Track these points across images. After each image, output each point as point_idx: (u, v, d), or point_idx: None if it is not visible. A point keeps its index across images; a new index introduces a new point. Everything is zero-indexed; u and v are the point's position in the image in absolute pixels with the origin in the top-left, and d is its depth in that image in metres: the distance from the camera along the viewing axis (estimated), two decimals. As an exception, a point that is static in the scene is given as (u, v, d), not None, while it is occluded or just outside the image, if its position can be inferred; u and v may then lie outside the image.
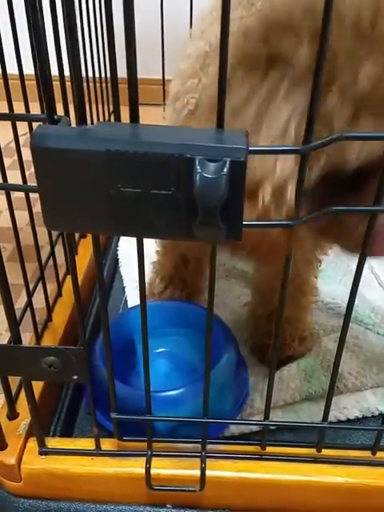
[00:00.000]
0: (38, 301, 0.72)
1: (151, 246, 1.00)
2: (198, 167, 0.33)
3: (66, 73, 0.91)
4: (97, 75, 1.07)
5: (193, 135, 0.34)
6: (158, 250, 0.84)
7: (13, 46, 0.58)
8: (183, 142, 0.33)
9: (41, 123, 0.36)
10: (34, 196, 0.67)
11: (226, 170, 0.33)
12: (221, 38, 0.31)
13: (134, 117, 0.35)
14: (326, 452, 0.58)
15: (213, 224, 0.34)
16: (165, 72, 1.16)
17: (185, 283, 0.83)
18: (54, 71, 0.67)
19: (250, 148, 0.33)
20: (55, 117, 0.36)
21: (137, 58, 0.33)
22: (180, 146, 0.33)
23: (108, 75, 1.09)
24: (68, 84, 0.71)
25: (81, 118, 0.34)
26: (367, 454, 0.58)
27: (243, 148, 0.33)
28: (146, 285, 0.84)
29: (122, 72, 0.36)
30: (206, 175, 0.33)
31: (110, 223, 0.36)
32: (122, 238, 1.03)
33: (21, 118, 0.43)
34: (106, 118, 1.13)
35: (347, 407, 0.71)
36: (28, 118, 0.45)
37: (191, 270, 0.82)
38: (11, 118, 0.50)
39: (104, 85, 1.11)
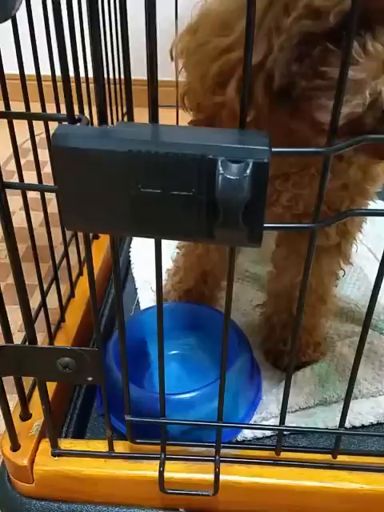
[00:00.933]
0: (51, 302, 0.72)
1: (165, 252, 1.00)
2: (221, 168, 0.32)
3: (81, 74, 0.91)
4: (110, 77, 1.07)
5: (215, 136, 0.34)
6: (178, 266, 0.84)
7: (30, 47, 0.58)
8: (205, 142, 0.33)
9: (59, 123, 0.36)
10: (47, 196, 0.68)
11: (248, 171, 0.32)
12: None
13: (154, 117, 0.35)
14: (341, 458, 0.57)
15: (234, 226, 0.33)
16: (178, 74, 1.16)
17: (202, 296, 0.83)
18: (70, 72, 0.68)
19: (274, 150, 0.33)
20: (75, 116, 0.35)
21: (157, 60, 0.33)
22: (202, 147, 0.33)
23: (122, 76, 1.09)
24: (83, 85, 0.72)
25: (102, 118, 0.34)
26: (383, 460, 0.57)
27: (266, 149, 0.33)
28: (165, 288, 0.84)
29: (134, 73, 0.35)
30: (228, 176, 0.32)
31: (129, 224, 0.36)
32: (134, 240, 1.03)
33: (40, 117, 0.42)
34: (119, 119, 1.13)
35: (362, 413, 0.70)
36: (47, 118, 0.45)
37: (210, 284, 0.82)
38: (30, 117, 0.50)
39: (117, 86, 1.11)
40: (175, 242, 1.00)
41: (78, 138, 0.33)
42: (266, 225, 0.35)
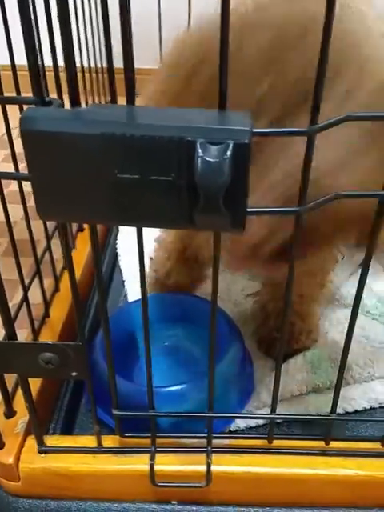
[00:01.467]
0: (36, 296, 0.71)
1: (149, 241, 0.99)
2: (200, 150, 0.31)
3: (61, 63, 0.89)
4: (92, 65, 1.05)
5: (193, 116, 0.32)
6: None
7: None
8: (183, 123, 0.31)
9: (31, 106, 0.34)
10: (27, 189, 0.66)
11: (229, 153, 0.31)
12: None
13: (131, 98, 0.33)
14: (334, 444, 0.57)
15: (216, 211, 0.32)
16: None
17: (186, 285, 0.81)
18: (49, 61, 0.66)
19: (254, 130, 0.31)
20: (46, 99, 0.34)
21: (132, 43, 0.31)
22: (180, 129, 0.31)
23: (104, 65, 1.07)
24: (62, 75, 0.70)
25: (74, 100, 0.32)
26: (377, 445, 0.57)
27: (247, 130, 0.31)
28: (150, 278, 0.82)
29: (117, 62, 0.34)
30: (207, 159, 0.31)
31: (106, 212, 0.34)
32: (121, 231, 1.01)
33: (9, 100, 0.41)
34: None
35: (355, 398, 0.69)
36: (17, 101, 0.43)
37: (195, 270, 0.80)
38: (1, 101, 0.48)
39: (100, 75, 1.09)
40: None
41: (47, 121, 0.31)
42: (249, 209, 0.34)
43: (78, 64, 0.32)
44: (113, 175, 0.32)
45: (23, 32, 0.31)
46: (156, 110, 0.33)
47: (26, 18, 0.30)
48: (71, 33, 0.31)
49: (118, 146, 0.32)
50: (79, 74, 0.98)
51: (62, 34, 0.31)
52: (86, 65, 1.00)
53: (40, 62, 0.63)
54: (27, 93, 0.59)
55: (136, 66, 0.33)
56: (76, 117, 0.32)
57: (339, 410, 0.67)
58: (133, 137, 0.31)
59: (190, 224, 0.33)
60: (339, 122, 0.33)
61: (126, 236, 1.00)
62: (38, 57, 0.33)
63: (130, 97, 0.33)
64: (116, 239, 1.00)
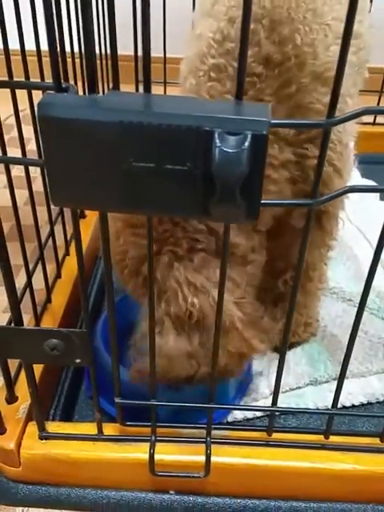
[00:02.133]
0: (37, 282, 0.70)
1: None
2: (217, 141, 0.31)
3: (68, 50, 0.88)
4: (96, 52, 1.04)
5: (212, 106, 0.32)
6: None
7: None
8: (201, 113, 0.31)
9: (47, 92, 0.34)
10: (32, 174, 0.66)
11: (247, 144, 0.31)
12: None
13: (147, 87, 0.33)
14: (333, 439, 0.57)
15: (232, 202, 0.32)
16: (166, 50, 1.14)
17: None
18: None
19: (273, 121, 0.31)
20: (63, 85, 0.33)
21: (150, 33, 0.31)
22: (198, 118, 0.31)
23: (108, 52, 1.06)
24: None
25: (91, 87, 0.32)
26: (375, 440, 0.57)
27: (265, 120, 0.31)
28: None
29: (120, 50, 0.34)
30: (225, 149, 0.31)
31: (120, 200, 0.34)
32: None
33: (24, 85, 0.40)
34: (106, 95, 1.10)
35: (352, 393, 0.70)
36: (32, 86, 0.42)
37: None
38: (12, 85, 0.47)
39: (103, 62, 1.08)
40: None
41: (64, 108, 0.31)
42: (263, 201, 0.33)
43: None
44: (128, 163, 0.32)
45: (45, 18, 0.30)
46: (174, 99, 0.33)
47: (47, 5, 0.29)
48: (92, 19, 0.30)
49: (134, 134, 0.31)
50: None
51: (82, 20, 0.30)
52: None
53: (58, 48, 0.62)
54: (34, 78, 0.59)
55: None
56: (93, 104, 0.31)
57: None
58: (150, 125, 0.31)
59: (204, 214, 0.33)
60: (357, 116, 0.33)
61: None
62: (58, 47, 0.32)
63: (147, 85, 0.32)
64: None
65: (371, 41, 0.68)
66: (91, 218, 0.90)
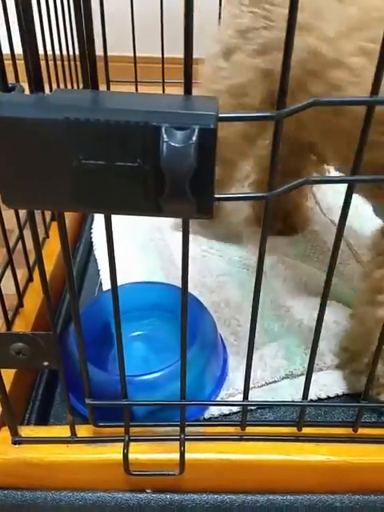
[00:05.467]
0: (9, 287, 0.70)
1: (118, 230, 0.98)
2: (165, 136, 0.31)
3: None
4: (65, 53, 1.04)
5: (159, 101, 0.32)
6: None
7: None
8: (148, 108, 0.31)
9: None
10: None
11: (194, 138, 0.31)
12: None
13: (94, 84, 0.33)
14: (307, 430, 0.57)
15: (182, 197, 0.32)
16: (164, 50, 1.14)
17: None
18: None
19: (220, 115, 0.31)
20: (9, 84, 0.33)
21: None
22: (145, 114, 0.31)
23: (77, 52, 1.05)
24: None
25: (36, 85, 0.32)
26: (349, 430, 0.57)
27: (213, 114, 0.31)
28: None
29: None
30: (173, 144, 0.31)
31: (72, 199, 0.34)
32: (96, 219, 1.01)
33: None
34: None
35: (327, 384, 0.70)
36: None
37: None
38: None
39: (73, 63, 1.07)
40: (146, 223, 0.98)
41: (10, 106, 0.31)
42: (216, 195, 0.34)
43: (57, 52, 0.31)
44: (77, 161, 0.32)
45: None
46: (121, 95, 0.33)
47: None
48: (32, 15, 0.30)
49: (82, 131, 0.31)
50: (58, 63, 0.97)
51: (24, 18, 0.30)
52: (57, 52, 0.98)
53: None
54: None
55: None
56: (39, 102, 0.31)
57: (312, 396, 0.67)
58: (97, 122, 0.31)
59: (156, 211, 0.33)
60: (306, 107, 0.33)
61: (102, 224, 0.99)
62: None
63: (94, 80, 0.32)
64: (91, 228, 0.99)
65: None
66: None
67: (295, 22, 0.30)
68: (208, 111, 0.31)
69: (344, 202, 0.39)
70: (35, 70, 0.31)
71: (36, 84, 0.32)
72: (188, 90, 0.32)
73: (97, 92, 0.32)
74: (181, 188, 0.31)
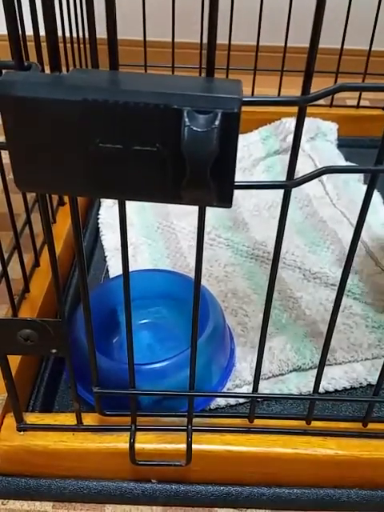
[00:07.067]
0: (16, 272, 0.69)
1: (135, 219, 0.97)
2: (187, 120, 0.29)
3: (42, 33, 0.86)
4: (75, 36, 1.02)
5: (180, 83, 0.31)
6: None
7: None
8: (169, 90, 0.30)
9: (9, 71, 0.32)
10: (6, 160, 0.64)
11: (217, 122, 0.29)
12: None
13: (114, 64, 0.31)
14: (315, 424, 0.57)
15: (202, 184, 0.31)
16: (175, 35, 1.12)
17: None
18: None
19: (244, 98, 0.30)
20: (25, 63, 0.32)
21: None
22: (166, 96, 0.30)
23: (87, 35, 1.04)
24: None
25: (54, 64, 0.31)
26: (358, 425, 0.57)
27: (237, 98, 0.30)
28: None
29: (102, 32, 0.32)
30: (195, 129, 0.29)
31: (87, 183, 0.33)
32: (103, 205, 0.99)
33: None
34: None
35: (336, 378, 0.69)
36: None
37: None
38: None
39: (82, 46, 1.06)
40: (153, 211, 0.97)
41: (26, 86, 0.29)
42: (236, 183, 0.32)
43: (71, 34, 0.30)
44: (94, 144, 0.31)
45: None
46: (141, 76, 0.31)
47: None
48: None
49: (100, 113, 0.30)
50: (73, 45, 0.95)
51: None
52: (67, 34, 0.97)
53: (20, 29, 0.60)
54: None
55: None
56: (56, 82, 0.30)
57: (320, 390, 0.67)
58: (116, 103, 0.30)
59: (175, 198, 0.32)
60: (332, 93, 0.32)
61: (108, 210, 0.98)
62: (18, 22, 0.31)
63: (114, 61, 0.31)
64: (98, 213, 0.98)
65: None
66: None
67: None
68: (232, 94, 0.30)
69: (366, 193, 0.38)
70: (52, 49, 0.30)
71: (53, 63, 0.31)
72: (211, 72, 0.31)
73: (115, 73, 0.31)
74: (202, 175, 0.30)
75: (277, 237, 0.39)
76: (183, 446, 0.54)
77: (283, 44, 1.12)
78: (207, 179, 0.30)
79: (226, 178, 0.31)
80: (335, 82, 1.17)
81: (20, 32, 0.53)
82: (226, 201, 0.32)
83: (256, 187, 0.36)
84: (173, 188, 0.32)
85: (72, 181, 0.33)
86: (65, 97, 0.29)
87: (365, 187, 0.39)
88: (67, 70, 0.93)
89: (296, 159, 0.35)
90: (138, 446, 0.54)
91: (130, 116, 0.30)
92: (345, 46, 1.15)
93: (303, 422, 0.56)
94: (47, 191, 0.36)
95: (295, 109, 0.33)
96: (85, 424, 0.56)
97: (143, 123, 0.30)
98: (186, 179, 0.31)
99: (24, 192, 0.63)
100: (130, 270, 0.74)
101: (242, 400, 0.67)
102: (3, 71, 0.32)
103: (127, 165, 0.32)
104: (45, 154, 0.32)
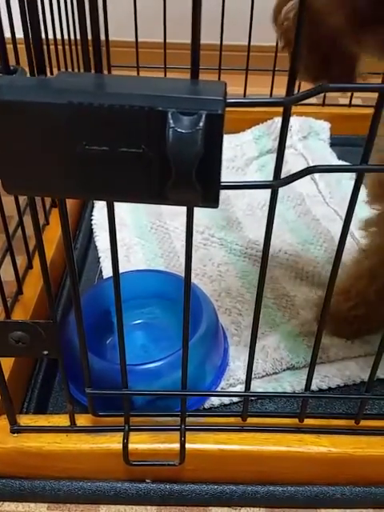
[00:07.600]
0: (9, 274, 0.69)
1: (121, 215, 0.97)
2: (171, 121, 0.30)
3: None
4: (66, 37, 1.02)
5: (165, 86, 0.31)
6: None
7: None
8: (154, 93, 0.30)
9: (-5, 74, 0.32)
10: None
11: (201, 124, 0.30)
12: None
13: (99, 66, 0.32)
14: (308, 422, 0.57)
15: (188, 185, 0.31)
16: (167, 35, 1.12)
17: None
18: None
19: (228, 100, 0.30)
20: (11, 67, 0.32)
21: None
22: (150, 98, 0.30)
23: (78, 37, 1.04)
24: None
25: (40, 68, 0.31)
26: (350, 422, 0.57)
27: (220, 99, 0.30)
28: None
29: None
30: (179, 130, 0.30)
31: (74, 186, 0.33)
32: (96, 206, 0.99)
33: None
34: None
35: (329, 376, 0.69)
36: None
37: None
38: None
39: (74, 48, 1.06)
40: (146, 211, 0.97)
41: (12, 90, 0.30)
42: (223, 183, 0.33)
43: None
44: (81, 147, 0.31)
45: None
46: (126, 79, 0.32)
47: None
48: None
49: (86, 116, 0.30)
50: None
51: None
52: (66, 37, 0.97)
53: (11, 32, 0.60)
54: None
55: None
56: (42, 85, 0.30)
57: (313, 387, 0.67)
58: (101, 106, 0.30)
59: (161, 198, 0.32)
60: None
61: (101, 211, 0.98)
62: (2, 27, 0.31)
63: (99, 64, 0.31)
64: (91, 214, 0.98)
65: None
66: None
67: None
68: (216, 96, 0.30)
69: (353, 191, 0.38)
70: (38, 53, 0.30)
71: (39, 67, 0.31)
72: (195, 74, 0.31)
73: (101, 76, 0.31)
74: (187, 175, 0.30)
75: (265, 236, 0.39)
76: (177, 446, 0.54)
77: (275, 44, 1.12)
78: (193, 180, 0.30)
79: (212, 179, 0.31)
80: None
81: (10, 35, 0.53)
82: (212, 201, 0.32)
83: (242, 187, 0.36)
84: (159, 189, 0.32)
85: (59, 183, 0.33)
86: (51, 100, 0.30)
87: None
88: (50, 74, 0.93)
89: (282, 159, 0.35)
90: (131, 446, 0.54)
91: (116, 118, 0.30)
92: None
93: (296, 420, 0.57)
94: (35, 194, 0.36)
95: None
96: (78, 425, 0.56)
97: (129, 125, 0.30)
98: (171, 180, 0.31)
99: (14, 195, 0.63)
100: (124, 270, 0.75)
101: (235, 399, 0.67)
102: (-10, 75, 0.32)
103: (114, 166, 0.32)
104: (32, 157, 0.32)
